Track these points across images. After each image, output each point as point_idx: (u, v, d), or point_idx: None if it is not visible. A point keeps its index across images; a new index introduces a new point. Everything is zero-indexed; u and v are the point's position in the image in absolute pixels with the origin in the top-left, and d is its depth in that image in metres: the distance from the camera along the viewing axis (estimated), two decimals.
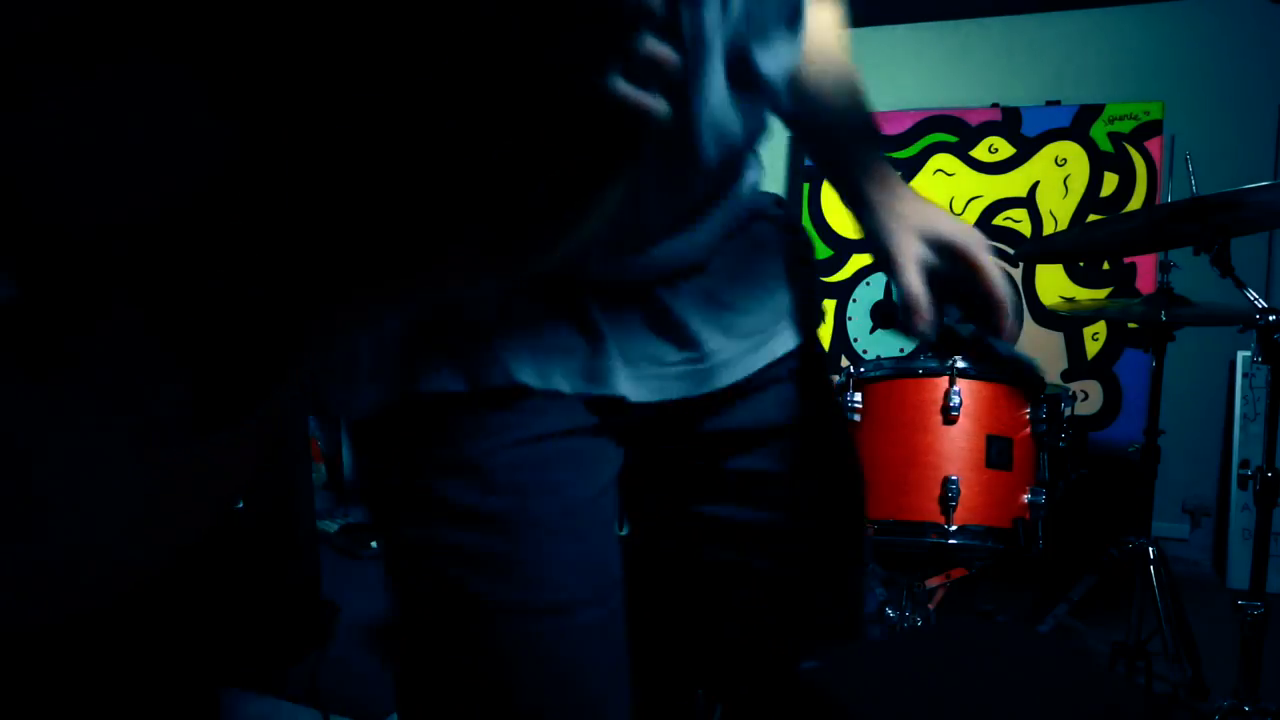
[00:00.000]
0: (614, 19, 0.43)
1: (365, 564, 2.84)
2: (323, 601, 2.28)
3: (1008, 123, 3.20)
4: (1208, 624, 2.26)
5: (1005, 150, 3.20)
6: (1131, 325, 2.97)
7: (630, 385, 0.74)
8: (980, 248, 0.77)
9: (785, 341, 0.85)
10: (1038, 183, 3.17)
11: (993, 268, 0.76)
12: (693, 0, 0.62)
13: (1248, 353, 2.96)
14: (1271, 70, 2.98)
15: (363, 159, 0.45)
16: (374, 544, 2.87)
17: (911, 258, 0.77)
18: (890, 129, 3.33)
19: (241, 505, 2.03)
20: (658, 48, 0.45)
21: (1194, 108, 3.05)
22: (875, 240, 0.81)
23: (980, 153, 3.22)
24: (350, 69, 0.43)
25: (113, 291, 0.45)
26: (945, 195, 3.24)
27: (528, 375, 0.70)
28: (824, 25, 0.88)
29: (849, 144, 0.85)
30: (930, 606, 1.90)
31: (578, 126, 0.45)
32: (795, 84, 0.86)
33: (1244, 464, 1.81)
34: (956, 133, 3.25)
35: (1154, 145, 3.04)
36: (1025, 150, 3.18)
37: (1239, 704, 1.75)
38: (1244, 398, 2.98)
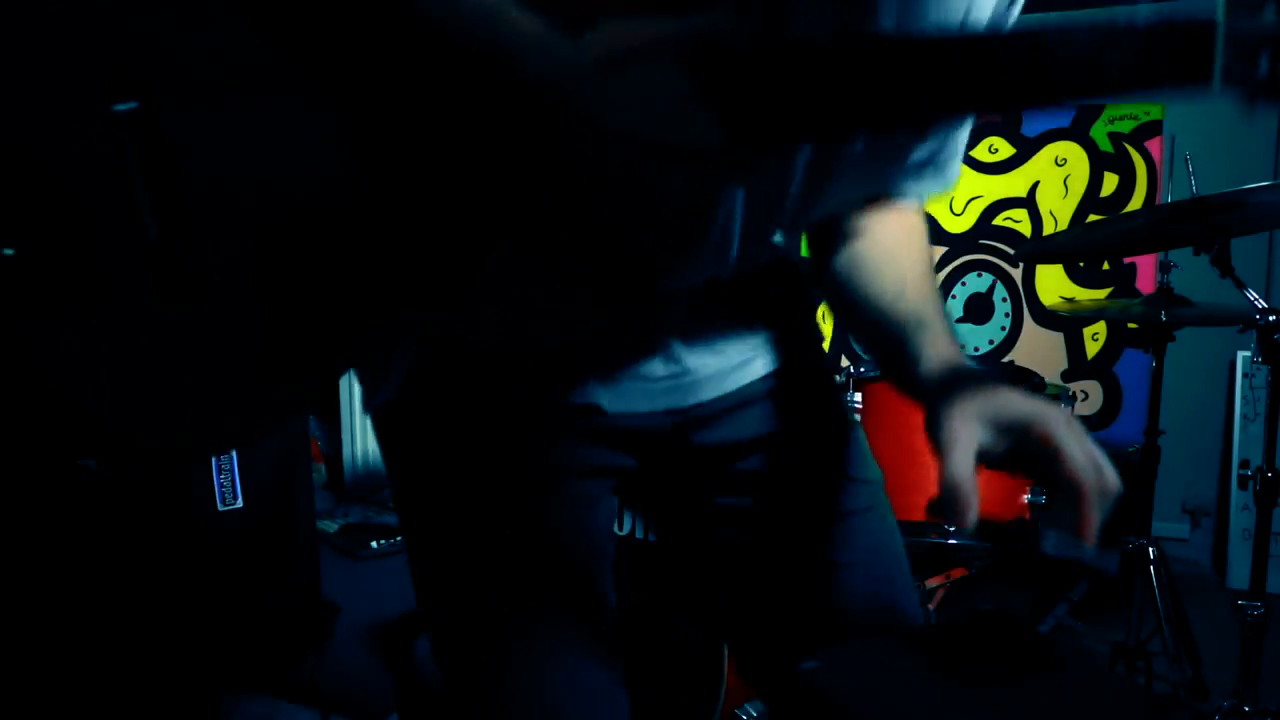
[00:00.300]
0: (645, 195, 0.58)
1: (365, 564, 2.84)
2: (323, 601, 2.28)
3: (1008, 123, 3.20)
4: (1208, 624, 2.25)
5: (1005, 150, 3.20)
6: (1131, 325, 2.97)
7: (608, 397, 0.82)
8: (1061, 426, 0.66)
9: (770, 362, 0.91)
10: (1038, 183, 3.17)
11: (1077, 450, 0.65)
12: (722, 182, 0.70)
13: (1248, 353, 2.96)
14: None
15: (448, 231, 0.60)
16: (374, 544, 2.87)
17: (963, 444, 0.66)
18: None
19: (241, 505, 2.03)
20: (680, 217, 0.58)
21: (1194, 108, 3.05)
22: (929, 424, 0.72)
23: (980, 153, 3.22)
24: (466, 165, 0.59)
25: (247, 252, 0.59)
26: (945, 195, 3.24)
27: (514, 388, 0.82)
28: (896, 224, 0.88)
29: (909, 337, 0.79)
30: (930, 606, 1.90)
31: (611, 263, 0.61)
32: (854, 277, 0.86)
33: (1244, 464, 1.81)
34: None
35: (1154, 145, 3.04)
36: (1025, 150, 3.18)
37: (1239, 704, 1.75)
38: (1244, 398, 2.98)
